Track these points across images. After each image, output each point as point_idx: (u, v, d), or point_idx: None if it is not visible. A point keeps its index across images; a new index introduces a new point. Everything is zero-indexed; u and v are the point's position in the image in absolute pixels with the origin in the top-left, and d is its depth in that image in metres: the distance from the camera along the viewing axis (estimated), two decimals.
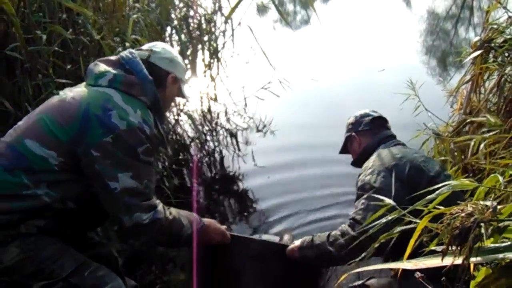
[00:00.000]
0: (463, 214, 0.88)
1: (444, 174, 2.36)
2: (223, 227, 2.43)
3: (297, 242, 2.36)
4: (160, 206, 2.10)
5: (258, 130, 6.19)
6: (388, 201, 1.61)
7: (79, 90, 2.13)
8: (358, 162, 2.70)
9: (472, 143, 3.49)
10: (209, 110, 6.20)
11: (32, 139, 1.96)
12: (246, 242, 2.52)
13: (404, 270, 1.32)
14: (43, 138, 1.96)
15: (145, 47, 2.36)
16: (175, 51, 2.45)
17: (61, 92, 2.18)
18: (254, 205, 4.66)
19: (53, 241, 2.03)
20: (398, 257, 1.74)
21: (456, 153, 3.88)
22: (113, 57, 2.30)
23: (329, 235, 2.21)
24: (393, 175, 2.13)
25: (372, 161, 2.38)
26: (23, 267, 1.95)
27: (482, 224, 0.88)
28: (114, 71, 2.14)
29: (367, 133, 2.73)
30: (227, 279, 2.44)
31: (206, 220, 2.34)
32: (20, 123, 2.11)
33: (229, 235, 2.41)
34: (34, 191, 1.93)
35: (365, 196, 2.18)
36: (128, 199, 1.96)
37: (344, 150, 2.96)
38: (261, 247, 2.49)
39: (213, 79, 5.65)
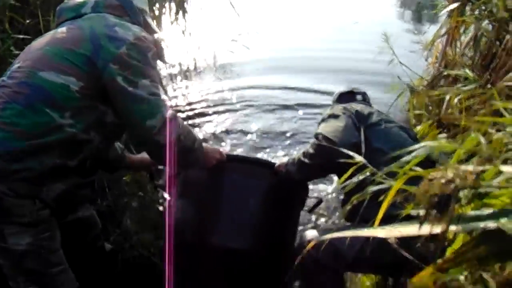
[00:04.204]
0: (442, 181, 0.80)
1: (401, 126, 2.54)
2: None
3: (284, 160, 2.60)
4: None
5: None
6: (359, 158, 1.63)
7: (68, 24, 2.02)
8: None
9: (448, 97, 3.44)
10: (179, 64, 6.06)
11: (47, 70, 1.84)
12: (239, 160, 2.66)
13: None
14: (58, 67, 1.85)
15: None
16: None
17: (47, 33, 2.10)
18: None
19: (59, 244, 1.99)
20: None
21: (431, 108, 3.84)
22: None
23: (303, 151, 2.44)
24: (347, 109, 2.47)
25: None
26: (26, 260, 1.88)
27: (463, 191, 0.80)
28: None
29: None
30: (218, 198, 2.51)
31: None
32: (17, 65, 1.94)
33: (224, 154, 2.49)
34: (60, 121, 1.82)
35: (325, 120, 2.45)
36: (156, 99, 1.92)
37: None
38: (253, 164, 2.62)
39: (182, 32, 5.45)
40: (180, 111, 5.90)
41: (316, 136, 2.33)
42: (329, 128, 2.31)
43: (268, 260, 2.47)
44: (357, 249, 2.13)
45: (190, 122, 5.68)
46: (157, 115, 1.89)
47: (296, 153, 2.77)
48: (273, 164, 2.61)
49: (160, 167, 2.71)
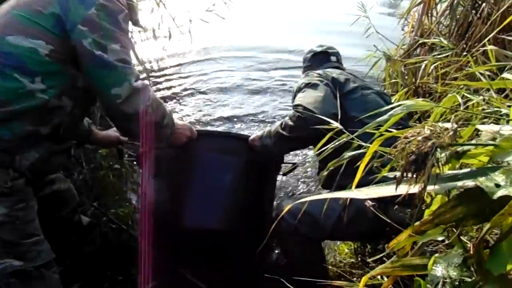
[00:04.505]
0: (419, 138, 0.78)
1: (378, 92, 2.53)
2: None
3: (258, 133, 2.50)
4: None
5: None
6: (336, 124, 1.62)
7: None
8: None
9: (424, 65, 3.43)
10: (154, 34, 5.98)
11: (14, 34, 1.76)
12: (211, 135, 2.61)
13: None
14: (26, 30, 1.77)
15: None
16: None
17: None
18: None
19: (35, 214, 1.92)
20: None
21: (407, 76, 3.84)
22: None
23: (281, 123, 2.36)
24: (323, 77, 2.44)
25: (304, 74, 2.67)
26: (1, 231, 1.81)
27: (440, 149, 0.78)
28: None
29: (309, 69, 2.87)
30: (191, 177, 2.45)
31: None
32: None
33: (195, 130, 2.37)
34: (31, 87, 1.77)
35: (302, 90, 2.39)
36: (123, 67, 1.84)
37: None
38: (226, 139, 2.57)
39: (157, 3, 5.32)
40: (153, 76, 5.98)
41: (296, 108, 2.26)
42: (309, 99, 2.24)
43: (245, 234, 2.45)
44: (334, 219, 2.12)
45: (162, 85, 5.83)
46: (124, 83, 1.83)
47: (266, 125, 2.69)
48: (247, 137, 2.53)
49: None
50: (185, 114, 5.19)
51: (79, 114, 2.06)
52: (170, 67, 6.36)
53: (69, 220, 2.49)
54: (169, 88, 5.76)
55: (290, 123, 2.26)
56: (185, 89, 5.70)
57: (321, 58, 2.90)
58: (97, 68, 1.82)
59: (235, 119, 4.97)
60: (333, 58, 2.90)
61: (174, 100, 5.47)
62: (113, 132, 2.56)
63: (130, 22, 2.09)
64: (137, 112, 1.88)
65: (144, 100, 1.89)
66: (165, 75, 6.13)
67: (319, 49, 2.95)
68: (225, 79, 5.95)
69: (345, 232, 2.21)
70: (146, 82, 1.96)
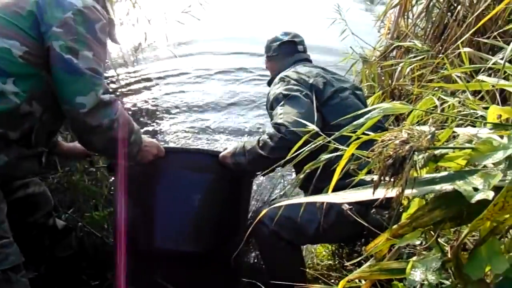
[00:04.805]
0: (396, 141, 0.77)
1: (353, 91, 2.49)
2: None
3: (229, 149, 2.34)
4: None
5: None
6: (312, 126, 1.60)
7: None
8: (270, 82, 2.77)
9: (399, 67, 3.46)
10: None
11: None
12: (179, 152, 2.51)
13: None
14: (3, 31, 1.75)
15: None
16: None
17: None
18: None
19: (4, 216, 1.87)
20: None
21: (383, 78, 3.86)
22: None
23: (258, 140, 2.23)
24: (301, 83, 2.35)
25: (278, 78, 2.50)
26: None
27: (417, 153, 0.77)
28: None
29: (275, 59, 2.83)
30: (159, 192, 2.35)
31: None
32: None
33: (163, 148, 2.27)
34: (2, 88, 1.72)
35: (281, 103, 2.27)
36: (92, 76, 1.80)
37: None
38: (194, 156, 2.46)
39: (133, 5, 5.28)
40: (128, 72, 6.01)
41: (278, 128, 2.14)
42: (290, 118, 2.13)
43: (218, 253, 2.37)
44: (317, 224, 2.09)
45: (134, 78, 5.86)
46: (90, 93, 1.78)
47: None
48: (217, 153, 2.39)
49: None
50: (155, 104, 5.26)
51: (49, 121, 1.99)
52: (145, 63, 6.38)
53: (44, 224, 2.45)
54: (144, 80, 5.84)
55: (271, 143, 2.14)
56: (158, 84, 5.79)
57: (289, 48, 2.81)
58: (64, 72, 1.78)
59: (206, 108, 5.11)
60: (300, 48, 2.82)
61: (144, 91, 5.56)
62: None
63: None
64: (101, 125, 1.83)
65: (110, 114, 1.85)
66: (137, 70, 6.15)
67: (285, 38, 2.83)
68: (202, 73, 6.04)
69: (328, 236, 2.19)
70: (115, 97, 1.92)
